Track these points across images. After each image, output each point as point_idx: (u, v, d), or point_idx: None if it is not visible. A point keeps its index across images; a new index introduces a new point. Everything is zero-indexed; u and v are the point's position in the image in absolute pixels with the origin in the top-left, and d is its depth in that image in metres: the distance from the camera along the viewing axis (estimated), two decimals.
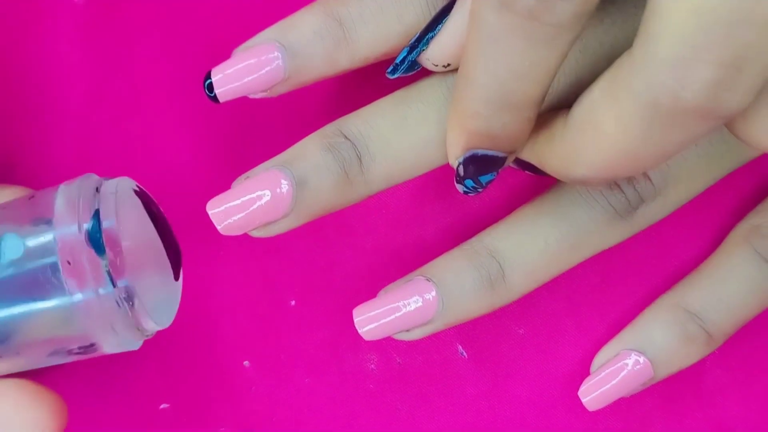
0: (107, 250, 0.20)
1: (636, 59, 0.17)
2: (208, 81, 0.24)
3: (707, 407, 0.29)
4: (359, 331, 0.25)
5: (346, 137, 0.24)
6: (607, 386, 0.27)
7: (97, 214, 0.21)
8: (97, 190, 0.21)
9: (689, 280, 0.28)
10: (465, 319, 0.25)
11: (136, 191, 0.23)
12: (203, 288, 0.29)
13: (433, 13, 0.24)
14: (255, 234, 0.24)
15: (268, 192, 0.23)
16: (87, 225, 0.20)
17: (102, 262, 0.20)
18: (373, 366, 0.29)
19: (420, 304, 0.25)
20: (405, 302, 0.25)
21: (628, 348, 0.27)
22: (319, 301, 0.29)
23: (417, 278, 0.25)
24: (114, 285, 0.20)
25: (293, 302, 0.29)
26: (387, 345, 0.29)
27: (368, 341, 0.29)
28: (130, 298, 0.21)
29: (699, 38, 0.16)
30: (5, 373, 0.22)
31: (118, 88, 0.30)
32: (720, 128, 0.18)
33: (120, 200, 0.21)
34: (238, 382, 0.29)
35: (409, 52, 0.24)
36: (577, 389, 0.28)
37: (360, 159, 0.24)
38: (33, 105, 0.30)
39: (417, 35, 0.24)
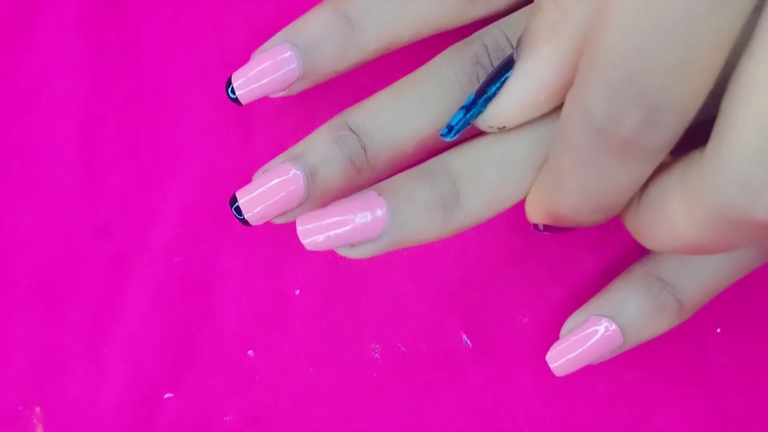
0: None
1: (708, 172, 0.18)
2: (230, 86, 0.26)
3: (710, 394, 0.29)
4: (302, 242, 0.24)
5: (351, 130, 0.25)
6: (576, 352, 0.27)
7: None
8: None
9: None
10: (414, 240, 0.24)
11: None
12: (208, 277, 0.29)
13: (437, 2, 0.25)
14: (276, 221, 0.26)
15: (285, 184, 0.25)
16: None
17: None
18: (377, 355, 0.29)
19: (368, 218, 0.24)
20: (353, 216, 0.24)
21: (599, 314, 0.27)
22: (323, 290, 0.29)
23: (368, 192, 0.24)
24: None
25: (297, 292, 0.29)
26: (391, 334, 0.29)
27: (372, 330, 0.29)
28: None
29: None
30: None
31: (120, 83, 0.30)
32: None
33: None
34: (243, 371, 0.29)
35: (465, 114, 0.23)
36: (582, 377, 0.28)
37: (365, 149, 0.25)
38: (34, 101, 0.30)
39: (472, 96, 0.23)
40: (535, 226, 0.25)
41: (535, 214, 0.24)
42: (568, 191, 0.21)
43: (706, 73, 0.17)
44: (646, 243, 0.22)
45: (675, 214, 0.19)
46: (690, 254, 0.21)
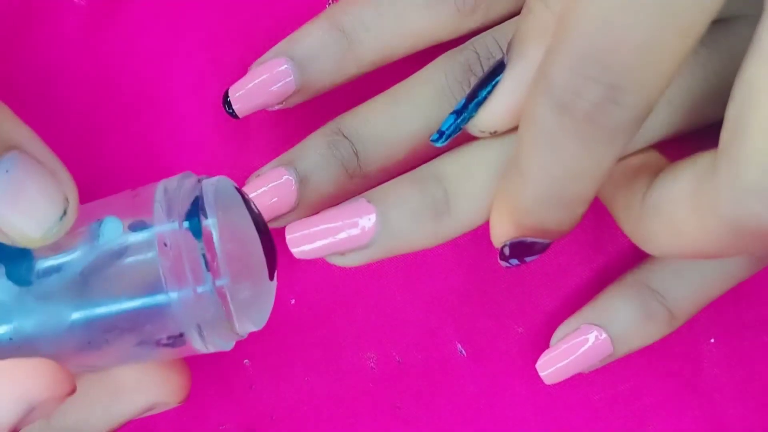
0: (206, 245, 0.19)
1: (722, 182, 0.17)
2: (227, 99, 0.26)
3: (705, 405, 0.29)
4: (291, 250, 0.24)
5: (344, 136, 0.25)
6: (566, 361, 0.27)
7: (196, 209, 0.20)
8: (198, 183, 0.21)
9: (653, 258, 0.27)
10: (405, 247, 0.24)
11: (236, 189, 0.22)
12: None
13: (432, 15, 0.25)
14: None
15: (277, 189, 0.25)
16: (187, 218, 0.20)
17: (200, 257, 0.19)
18: (372, 364, 0.29)
19: (358, 226, 0.24)
20: (343, 223, 0.24)
21: (589, 323, 0.27)
22: (319, 300, 0.29)
23: (358, 200, 0.24)
24: (212, 280, 0.19)
25: (293, 301, 0.29)
26: (387, 343, 0.29)
27: (368, 339, 0.29)
28: (226, 295, 0.20)
29: None
30: (93, 366, 0.22)
31: (117, 93, 0.30)
32: None
33: (220, 197, 0.21)
34: (238, 380, 0.29)
35: (456, 119, 0.23)
36: (576, 388, 0.28)
37: (357, 155, 0.25)
38: (35, 105, 0.30)
39: (463, 100, 0.23)
40: (502, 255, 0.23)
41: (499, 225, 0.23)
42: (531, 178, 0.20)
43: (671, 59, 0.17)
44: (648, 248, 0.21)
45: (683, 222, 0.19)
46: (694, 259, 0.20)
